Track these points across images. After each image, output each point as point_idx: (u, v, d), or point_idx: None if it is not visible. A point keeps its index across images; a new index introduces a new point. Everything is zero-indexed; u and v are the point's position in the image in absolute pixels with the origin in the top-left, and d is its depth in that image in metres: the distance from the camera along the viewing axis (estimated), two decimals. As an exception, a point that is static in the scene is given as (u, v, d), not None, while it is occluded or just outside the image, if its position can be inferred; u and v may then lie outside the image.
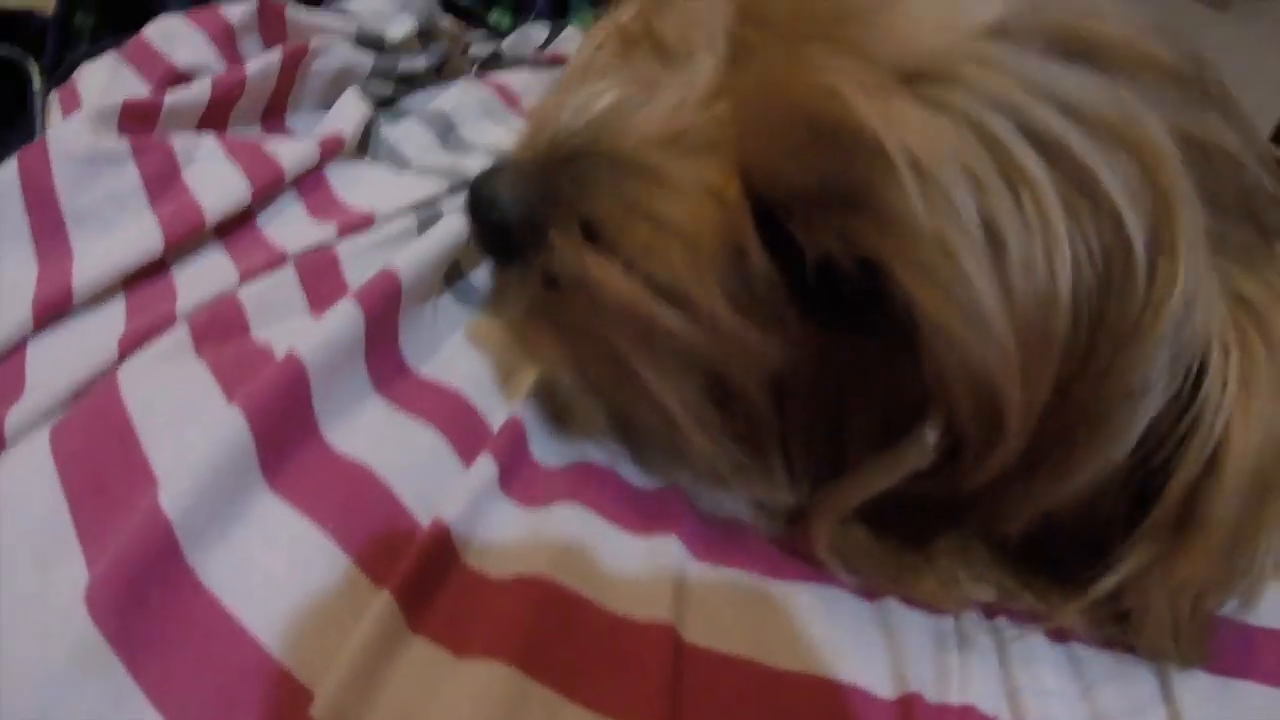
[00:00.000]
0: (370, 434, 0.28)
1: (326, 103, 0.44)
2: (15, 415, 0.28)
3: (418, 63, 0.48)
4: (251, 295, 0.32)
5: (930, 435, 0.24)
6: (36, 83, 0.48)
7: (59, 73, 0.48)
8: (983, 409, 0.23)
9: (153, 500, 0.24)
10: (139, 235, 0.35)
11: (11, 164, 0.37)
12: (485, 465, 0.27)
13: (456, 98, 0.45)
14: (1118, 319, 0.22)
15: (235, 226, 0.37)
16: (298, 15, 0.46)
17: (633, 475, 0.29)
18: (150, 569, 0.24)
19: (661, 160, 0.24)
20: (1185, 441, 0.24)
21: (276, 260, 0.34)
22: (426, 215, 0.37)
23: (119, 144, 0.38)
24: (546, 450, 0.29)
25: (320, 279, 0.34)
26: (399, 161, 0.41)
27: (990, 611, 0.27)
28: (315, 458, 0.27)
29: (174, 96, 0.40)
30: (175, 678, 0.23)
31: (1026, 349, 0.22)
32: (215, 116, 0.41)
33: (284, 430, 0.27)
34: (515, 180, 0.26)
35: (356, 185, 0.40)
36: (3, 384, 0.31)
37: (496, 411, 0.30)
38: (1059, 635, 0.27)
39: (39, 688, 0.22)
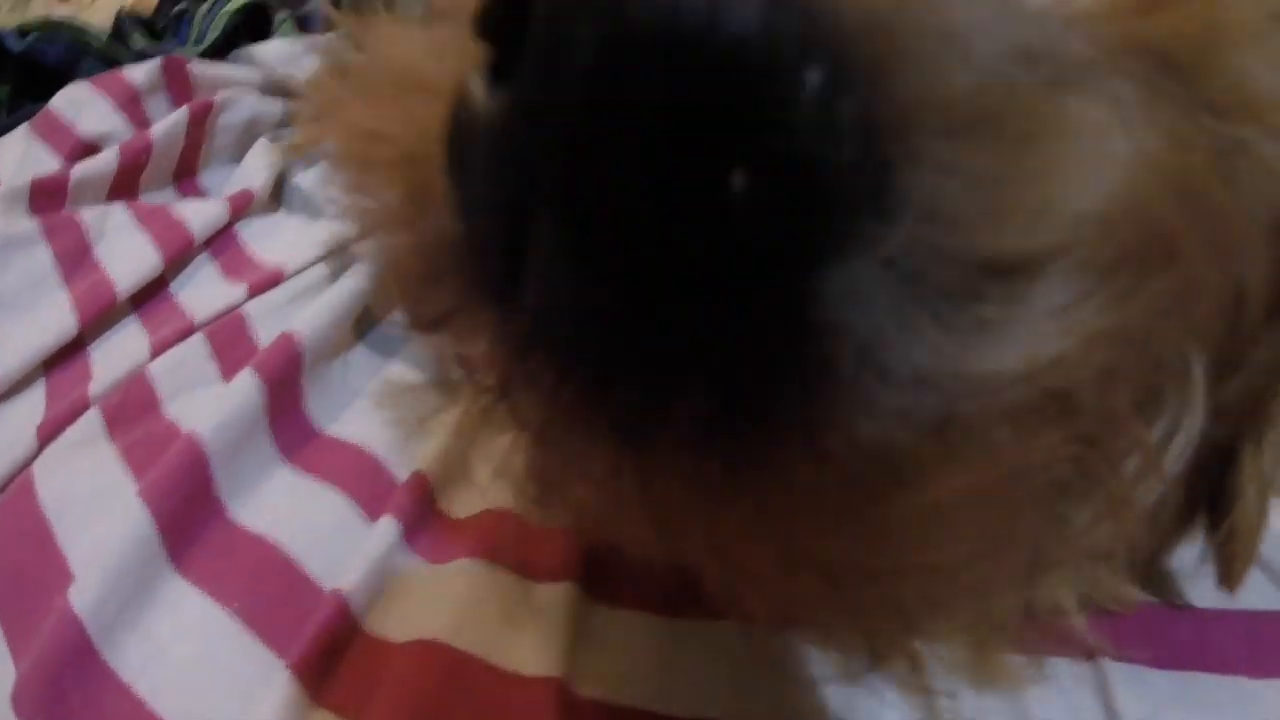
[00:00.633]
0: (276, 505, 0.29)
1: (238, 156, 0.45)
2: None
3: (329, 103, 0.48)
4: (162, 370, 0.33)
5: None
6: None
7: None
8: None
9: (65, 600, 0.25)
10: (55, 317, 0.36)
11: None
12: (387, 527, 0.28)
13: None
14: None
15: (149, 295, 0.38)
16: (203, 70, 0.46)
17: (539, 519, 0.29)
18: (67, 666, 0.25)
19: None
20: None
21: (187, 329, 0.35)
22: (339, 264, 0.37)
23: (30, 225, 0.38)
24: (454, 501, 0.30)
25: (231, 344, 0.34)
26: (312, 210, 0.42)
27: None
28: (221, 537, 0.28)
29: (82, 169, 0.41)
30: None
31: None
32: (125, 184, 0.42)
33: (189, 513, 0.28)
34: None
35: (269, 239, 0.40)
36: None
37: (404, 465, 0.30)
38: None
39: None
